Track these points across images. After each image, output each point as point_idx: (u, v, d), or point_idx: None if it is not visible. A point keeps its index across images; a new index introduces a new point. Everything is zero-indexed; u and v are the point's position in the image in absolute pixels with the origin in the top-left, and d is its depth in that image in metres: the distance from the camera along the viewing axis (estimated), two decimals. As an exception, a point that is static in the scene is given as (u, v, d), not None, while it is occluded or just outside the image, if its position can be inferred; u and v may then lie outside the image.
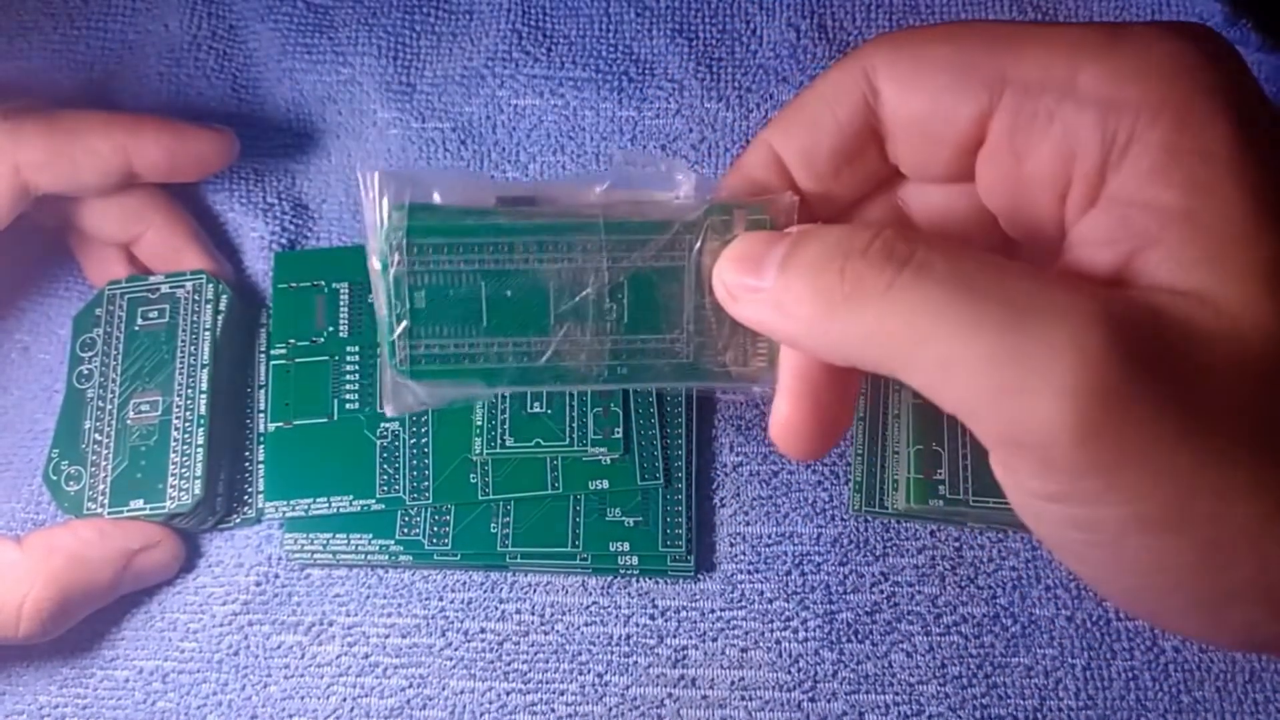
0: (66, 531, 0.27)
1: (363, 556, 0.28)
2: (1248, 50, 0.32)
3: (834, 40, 0.33)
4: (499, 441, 0.28)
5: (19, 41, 0.33)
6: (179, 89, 0.33)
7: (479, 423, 0.28)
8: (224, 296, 0.29)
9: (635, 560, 0.28)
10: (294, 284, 0.30)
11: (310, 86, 0.33)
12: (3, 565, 0.25)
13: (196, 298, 0.29)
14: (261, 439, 0.29)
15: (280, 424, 0.29)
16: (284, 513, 0.28)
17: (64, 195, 0.28)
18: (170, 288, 0.29)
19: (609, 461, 0.28)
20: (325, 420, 0.29)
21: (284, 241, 0.31)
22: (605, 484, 0.28)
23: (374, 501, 0.28)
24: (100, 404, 0.28)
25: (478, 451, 0.28)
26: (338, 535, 0.28)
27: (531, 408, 0.28)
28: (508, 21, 0.34)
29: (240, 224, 0.32)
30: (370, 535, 0.28)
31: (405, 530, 0.28)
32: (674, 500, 0.28)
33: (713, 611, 0.28)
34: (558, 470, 0.28)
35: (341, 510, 0.28)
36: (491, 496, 0.28)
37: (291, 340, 0.29)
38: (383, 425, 0.29)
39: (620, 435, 0.28)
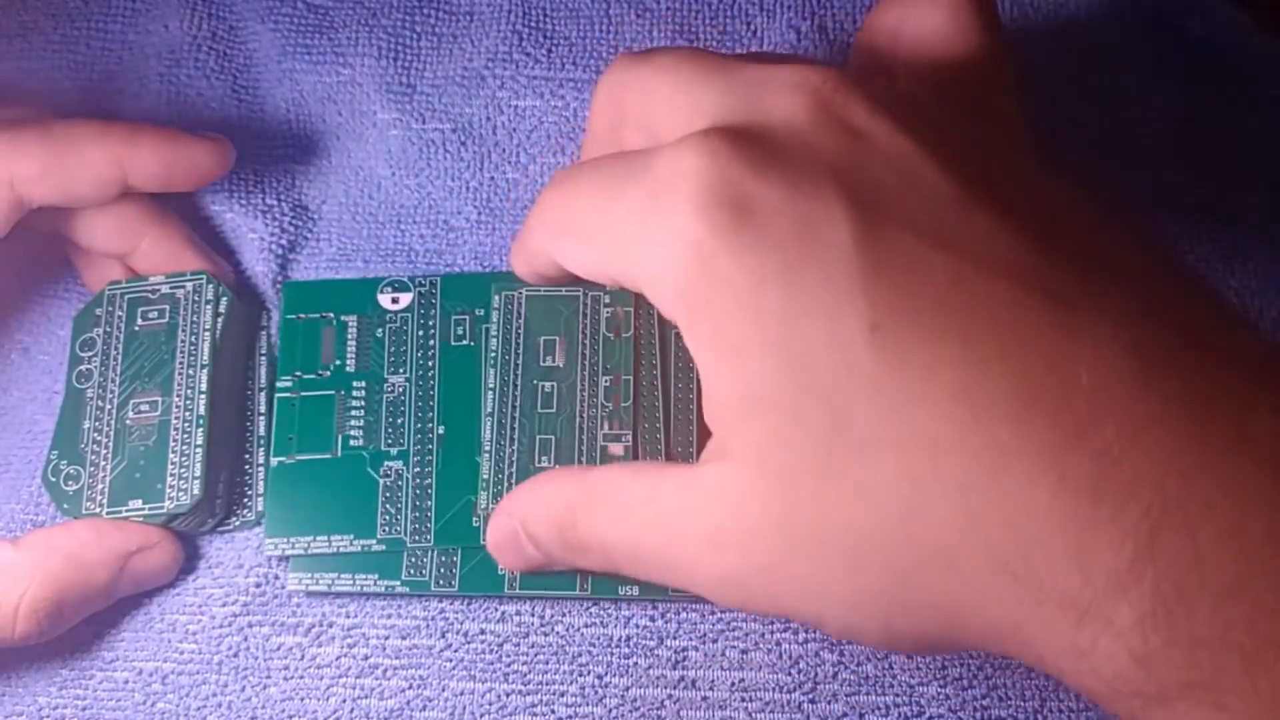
0: (64, 531, 0.26)
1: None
2: (1251, 47, 0.32)
3: (834, 42, 0.33)
4: (505, 486, 0.28)
5: (19, 41, 0.33)
6: (179, 90, 0.33)
7: (485, 475, 0.28)
8: (224, 298, 0.29)
9: (636, 590, 0.27)
10: (302, 315, 0.30)
11: (310, 87, 0.33)
12: (1, 565, 0.25)
13: (196, 298, 0.29)
14: (262, 441, 0.29)
15: (283, 459, 0.28)
16: (284, 550, 0.28)
17: (59, 206, 0.27)
18: (170, 288, 0.29)
19: None
20: (328, 456, 0.29)
21: (284, 243, 0.31)
22: None
23: (374, 542, 0.28)
24: (100, 404, 0.28)
25: (483, 505, 0.28)
26: (343, 575, 0.28)
27: (539, 462, 0.28)
28: (508, 23, 0.34)
29: (239, 225, 0.32)
30: (376, 575, 0.28)
31: (411, 571, 0.28)
32: None
33: (713, 613, 0.28)
34: None
35: (341, 550, 0.28)
36: None
37: (298, 373, 0.29)
38: (386, 464, 0.28)
39: None
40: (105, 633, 0.28)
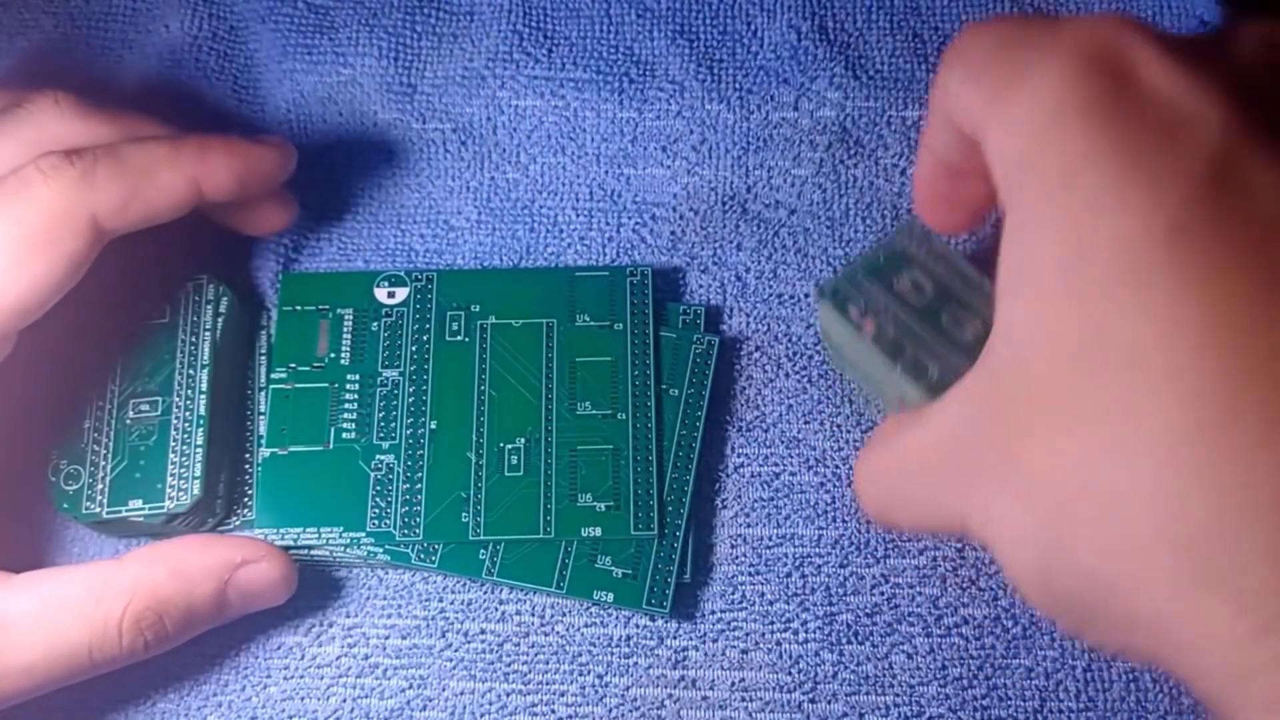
0: (168, 544, 0.26)
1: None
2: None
3: (834, 42, 0.33)
4: (497, 478, 0.28)
5: (19, 40, 0.33)
6: (179, 90, 0.33)
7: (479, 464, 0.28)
8: (224, 298, 0.29)
9: (611, 597, 0.27)
10: (299, 307, 0.30)
11: (310, 87, 0.33)
12: (102, 581, 0.25)
13: (197, 298, 0.29)
14: (261, 441, 0.29)
15: (275, 450, 0.28)
16: (273, 541, 0.28)
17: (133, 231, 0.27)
18: (170, 288, 0.29)
19: (603, 509, 0.28)
20: (321, 449, 0.29)
21: (285, 243, 0.31)
22: (598, 531, 0.28)
23: (364, 535, 0.28)
24: (100, 403, 0.28)
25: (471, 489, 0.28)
26: (308, 530, 0.28)
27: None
28: (508, 22, 0.34)
29: (240, 225, 0.32)
30: (355, 531, 0.28)
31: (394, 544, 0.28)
32: (667, 556, 0.28)
33: (713, 613, 0.28)
34: (551, 515, 0.28)
35: (331, 542, 0.28)
36: (483, 537, 0.28)
37: (292, 365, 0.29)
38: (377, 458, 0.28)
39: (614, 484, 0.28)
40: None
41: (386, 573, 0.29)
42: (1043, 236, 0.19)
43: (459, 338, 0.29)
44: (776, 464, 0.29)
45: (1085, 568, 0.18)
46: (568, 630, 0.28)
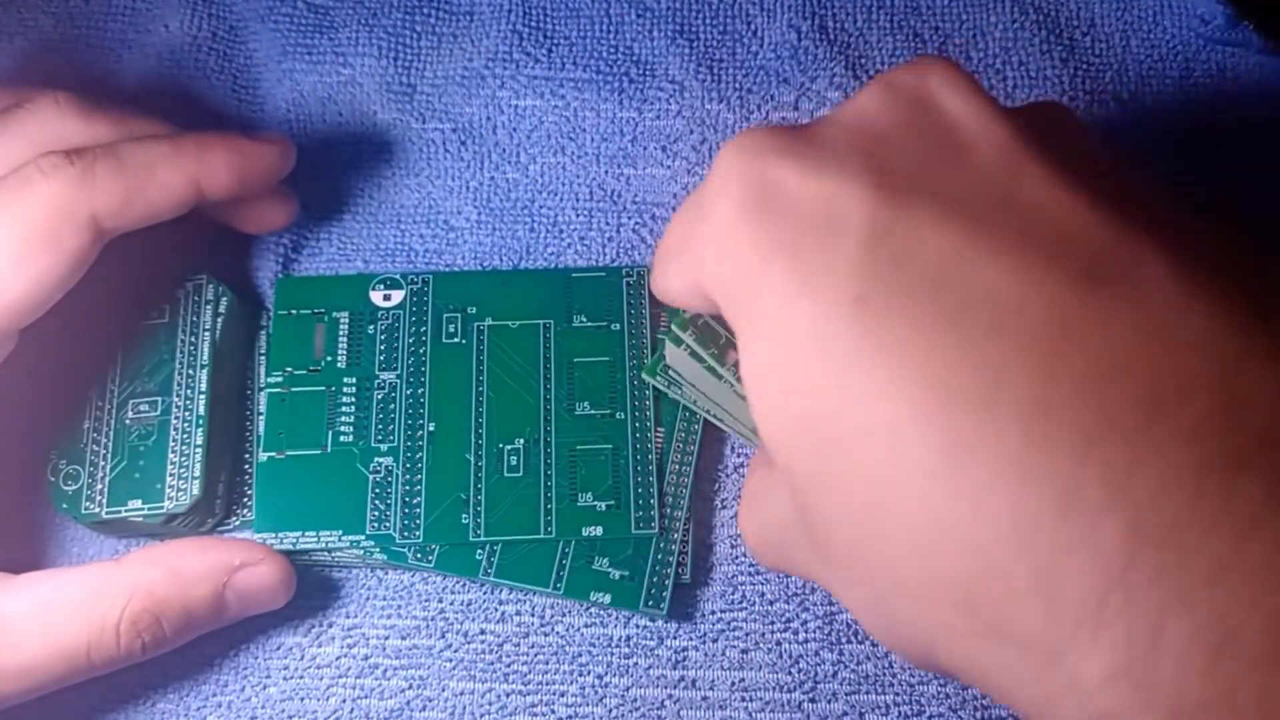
0: (166, 546, 0.26)
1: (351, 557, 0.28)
2: (1249, 52, 0.32)
3: (834, 41, 0.33)
4: (497, 479, 0.28)
5: (19, 40, 0.33)
6: (179, 90, 0.33)
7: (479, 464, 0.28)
8: (224, 298, 0.29)
9: (608, 598, 0.27)
10: (295, 310, 0.30)
11: (310, 87, 0.33)
12: (100, 582, 0.25)
13: (196, 298, 0.29)
14: (260, 442, 0.29)
15: (273, 454, 0.28)
16: (271, 545, 0.28)
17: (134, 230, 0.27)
18: (170, 287, 0.29)
19: (604, 508, 0.28)
20: (318, 452, 0.29)
21: (284, 243, 0.31)
22: (599, 530, 0.28)
23: (363, 538, 0.28)
24: (99, 403, 0.28)
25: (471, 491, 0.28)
26: (308, 532, 0.28)
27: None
28: (508, 22, 0.34)
29: (240, 225, 0.32)
30: (355, 534, 0.28)
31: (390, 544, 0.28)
32: (664, 558, 0.28)
33: (713, 613, 0.28)
34: (551, 515, 0.28)
35: (330, 545, 0.28)
36: (483, 538, 0.28)
37: (289, 369, 0.29)
38: (375, 460, 0.28)
39: (613, 483, 0.28)
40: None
41: (386, 573, 0.29)
42: (753, 341, 0.20)
43: (456, 340, 0.29)
44: (776, 464, 0.29)
45: (908, 637, 0.18)
46: (567, 631, 0.28)
